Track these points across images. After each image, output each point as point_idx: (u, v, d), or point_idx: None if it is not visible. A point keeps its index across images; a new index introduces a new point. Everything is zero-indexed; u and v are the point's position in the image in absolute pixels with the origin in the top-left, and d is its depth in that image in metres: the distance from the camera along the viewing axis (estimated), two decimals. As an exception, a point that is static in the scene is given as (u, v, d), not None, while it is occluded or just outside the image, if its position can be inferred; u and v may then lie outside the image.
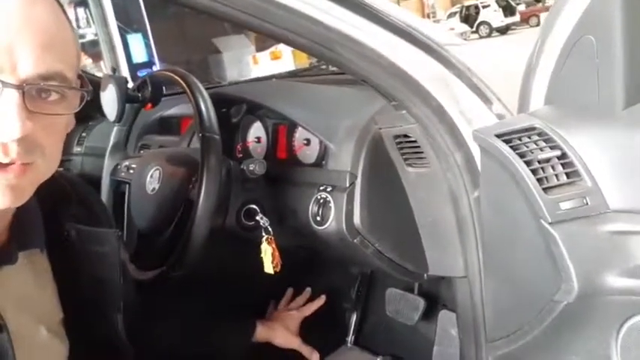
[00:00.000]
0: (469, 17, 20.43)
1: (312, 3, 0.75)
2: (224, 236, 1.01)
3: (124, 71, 3.43)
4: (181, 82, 0.96)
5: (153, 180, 1.01)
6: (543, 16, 13.02)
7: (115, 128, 1.19)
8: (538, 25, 14.53)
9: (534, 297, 0.69)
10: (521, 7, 21.29)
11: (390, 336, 1.36)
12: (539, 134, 0.65)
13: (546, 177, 0.62)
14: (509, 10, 20.37)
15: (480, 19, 20.45)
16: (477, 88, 0.88)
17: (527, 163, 0.63)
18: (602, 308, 0.61)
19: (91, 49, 3.60)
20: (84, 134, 1.90)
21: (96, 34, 3.51)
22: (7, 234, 0.62)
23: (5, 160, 0.51)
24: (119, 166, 1.14)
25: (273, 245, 1.01)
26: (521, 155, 0.63)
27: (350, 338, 1.42)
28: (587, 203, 0.60)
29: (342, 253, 1.04)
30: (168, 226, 0.99)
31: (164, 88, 1.09)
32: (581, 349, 0.67)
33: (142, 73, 3.48)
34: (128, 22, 3.51)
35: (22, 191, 0.55)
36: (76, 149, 1.90)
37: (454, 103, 0.87)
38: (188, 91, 0.94)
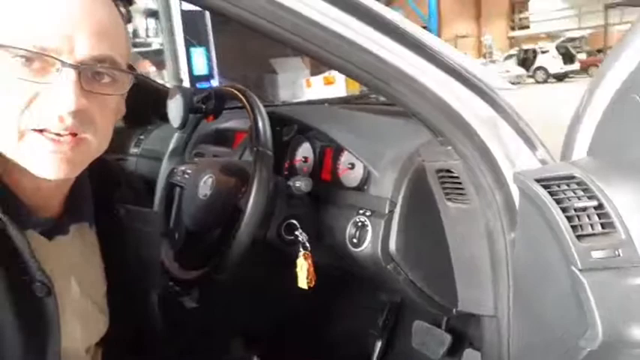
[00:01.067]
0: (526, 61, 20.09)
1: (373, 39, 0.80)
2: (264, 247, 1.06)
3: (185, 82, 3.60)
4: (243, 98, 1.04)
5: (206, 186, 1.08)
6: (604, 66, 12.72)
7: (176, 135, 1.28)
8: (598, 75, 14.16)
9: (560, 340, 0.70)
10: (582, 56, 20.83)
11: (414, 367, 1.37)
12: (578, 183, 0.67)
13: (581, 225, 0.64)
14: (568, 58, 19.94)
15: (537, 64, 20.12)
16: (523, 133, 0.90)
17: (564, 210, 0.65)
18: (626, 358, 0.62)
19: (156, 57, 3.80)
20: (142, 137, 2.00)
21: (162, 44, 3.70)
22: (62, 207, 0.69)
23: (61, 130, 0.59)
24: (175, 170, 1.22)
25: (309, 261, 1.05)
26: (559, 202, 0.65)
27: (373, 364, 1.44)
28: (619, 255, 0.62)
29: (374, 277, 1.07)
30: (214, 230, 1.05)
31: (226, 102, 1.17)
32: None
33: (201, 85, 3.65)
34: (194, 36, 3.69)
35: (74, 164, 0.62)
36: (133, 150, 2.00)
37: (499, 145, 0.89)
38: (248, 107, 1.01)
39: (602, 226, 0.64)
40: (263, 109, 1.02)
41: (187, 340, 0.98)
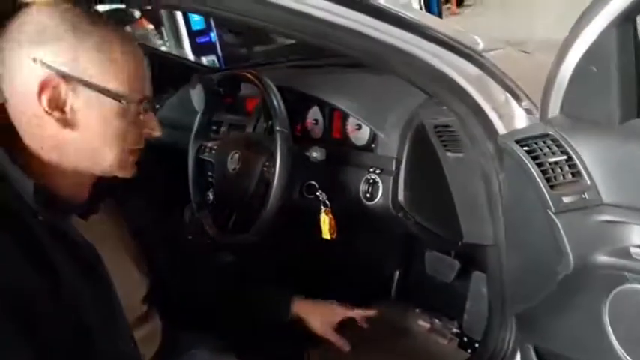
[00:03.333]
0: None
1: (370, 24, 0.89)
2: (289, 208, 1.21)
3: (184, 38, 3.61)
4: (258, 83, 1.15)
5: (233, 161, 1.22)
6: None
7: (199, 115, 1.40)
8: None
9: (542, 268, 0.86)
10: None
11: (429, 292, 1.54)
12: (552, 140, 0.80)
13: (554, 176, 0.78)
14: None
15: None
16: (509, 87, 1.01)
17: (539, 165, 0.79)
18: (593, 280, 0.78)
19: (153, 14, 3.77)
20: (158, 106, 2.11)
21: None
22: (91, 190, 0.85)
23: (141, 146, 0.79)
24: (203, 147, 1.35)
25: (330, 215, 1.20)
26: (535, 158, 0.79)
27: (393, 292, 1.62)
28: (585, 198, 0.76)
29: (387, 223, 1.23)
30: (244, 198, 1.20)
31: (240, 85, 1.28)
32: (578, 310, 0.84)
33: (200, 40, 3.66)
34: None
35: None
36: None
37: (488, 100, 0.99)
38: (265, 91, 1.12)
39: (572, 175, 0.78)
40: (277, 91, 1.14)
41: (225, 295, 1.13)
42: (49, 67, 0.69)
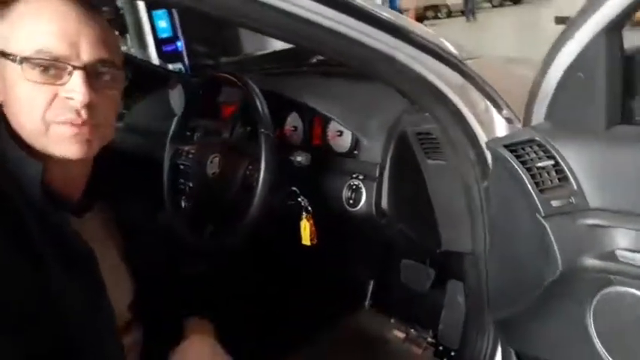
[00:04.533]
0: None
1: (355, 27, 0.89)
2: (270, 213, 1.19)
3: (150, 46, 3.55)
4: (241, 85, 1.13)
5: (213, 165, 1.19)
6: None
7: (175, 118, 1.36)
8: (551, -3, 14.19)
9: (528, 273, 0.87)
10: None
11: (403, 301, 1.54)
12: (538, 145, 0.81)
13: (542, 180, 0.79)
14: (523, -20, 19.86)
15: (494, -13, 20.00)
16: (489, 95, 1.03)
17: (528, 169, 0.80)
18: (579, 283, 0.79)
19: (117, 21, 3.72)
20: (124, 111, 2.06)
21: (121, 8, 3.61)
22: (85, 191, 0.83)
23: (78, 121, 0.72)
24: (179, 150, 1.32)
25: (311, 222, 1.19)
26: (523, 163, 0.80)
27: (367, 302, 1.62)
28: (572, 202, 0.78)
29: (368, 230, 1.22)
30: (223, 203, 1.17)
31: (221, 88, 1.25)
32: (563, 314, 0.86)
33: (166, 48, 3.62)
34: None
35: (90, 145, 0.75)
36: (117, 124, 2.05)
37: (470, 108, 1.01)
38: (248, 93, 1.10)
39: (559, 179, 0.80)
40: (260, 94, 1.12)
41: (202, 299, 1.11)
42: None
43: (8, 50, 0.70)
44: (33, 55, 0.69)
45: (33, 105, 0.71)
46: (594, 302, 0.80)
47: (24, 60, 0.69)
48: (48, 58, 0.69)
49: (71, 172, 0.79)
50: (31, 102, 0.71)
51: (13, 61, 0.69)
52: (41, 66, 0.70)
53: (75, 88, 0.71)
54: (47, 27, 0.70)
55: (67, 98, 0.71)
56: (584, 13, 0.73)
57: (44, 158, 0.73)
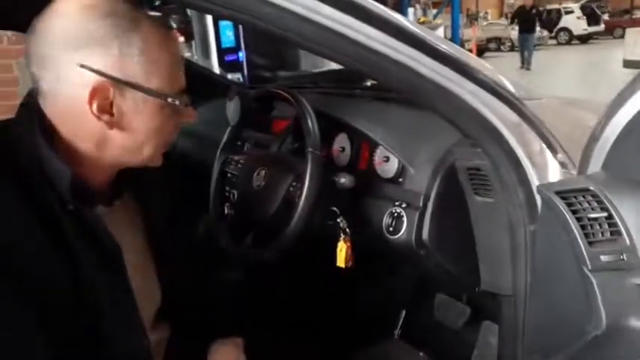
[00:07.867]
0: (550, 22, 19.49)
1: (418, 59, 0.90)
2: (308, 231, 1.19)
3: (213, 54, 3.68)
4: (294, 102, 1.15)
5: (259, 178, 1.21)
6: (629, 29, 12.33)
7: (230, 128, 1.41)
8: (622, 37, 13.70)
9: (570, 323, 0.83)
10: (605, 17, 20.11)
11: (435, 336, 1.50)
12: (592, 195, 0.78)
13: (593, 233, 0.76)
14: (593, 18, 19.27)
15: (561, 24, 19.51)
16: (545, 138, 1.01)
17: (579, 220, 0.77)
18: (624, 343, 0.75)
19: (185, 28, 3.87)
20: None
21: (190, 15, 3.76)
22: (115, 178, 0.86)
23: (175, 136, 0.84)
24: (229, 160, 1.35)
25: (348, 244, 1.19)
26: (575, 212, 0.77)
27: (397, 331, 1.59)
28: (623, 258, 0.74)
29: (406, 260, 1.21)
30: (265, 216, 1.19)
31: (275, 103, 1.28)
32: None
33: (229, 58, 3.74)
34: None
35: None
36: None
37: (524, 148, 0.99)
38: (300, 110, 1.12)
39: (611, 233, 0.76)
40: (312, 112, 1.14)
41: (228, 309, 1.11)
42: (99, 73, 0.70)
43: (148, 85, 0.74)
44: (175, 94, 0.77)
45: (163, 132, 0.79)
46: (639, 366, 0.76)
47: (175, 97, 0.77)
48: (185, 97, 0.79)
49: (113, 170, 0.83)
50: (162, 130, 0.79)
51: (161, 98, 0.75)
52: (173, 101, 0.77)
53: (192, 114, 0.83)
54: (179, 65, 0.79)
55: (186, 122, 0.82)
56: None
57: (88, 162, 0.77)
